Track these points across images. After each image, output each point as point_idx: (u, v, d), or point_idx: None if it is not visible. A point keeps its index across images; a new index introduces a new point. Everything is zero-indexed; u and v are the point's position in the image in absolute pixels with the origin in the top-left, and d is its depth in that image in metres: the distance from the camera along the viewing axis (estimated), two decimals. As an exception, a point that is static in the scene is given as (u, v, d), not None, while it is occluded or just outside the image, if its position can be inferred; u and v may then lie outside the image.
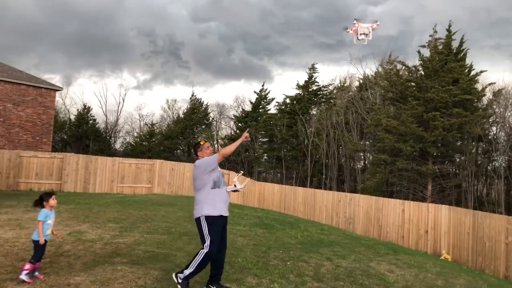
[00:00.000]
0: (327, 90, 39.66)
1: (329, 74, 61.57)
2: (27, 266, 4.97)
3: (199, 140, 5.39)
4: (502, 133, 25.00)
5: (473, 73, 24.06)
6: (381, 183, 24.78)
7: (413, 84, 24.52)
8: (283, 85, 78.07)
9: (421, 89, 23.30)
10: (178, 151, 47.60)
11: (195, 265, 4.69)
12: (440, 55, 23.28)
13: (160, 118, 54.75)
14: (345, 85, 38.66)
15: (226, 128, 50.58)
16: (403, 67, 25.86)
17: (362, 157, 34.90)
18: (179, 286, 4.69)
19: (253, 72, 78.65)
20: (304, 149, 35.90)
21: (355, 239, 10.90)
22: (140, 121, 56.20)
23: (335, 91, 38.70)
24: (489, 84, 24.93)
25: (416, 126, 22.37)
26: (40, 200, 5.28)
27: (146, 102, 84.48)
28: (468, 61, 24.39)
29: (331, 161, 33.36)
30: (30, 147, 23.53)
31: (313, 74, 39.71)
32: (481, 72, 23.67)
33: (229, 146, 4.84)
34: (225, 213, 4.93)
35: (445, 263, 9.61)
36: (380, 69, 32.85)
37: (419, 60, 24.49)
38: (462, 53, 24.47)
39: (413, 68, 24.92)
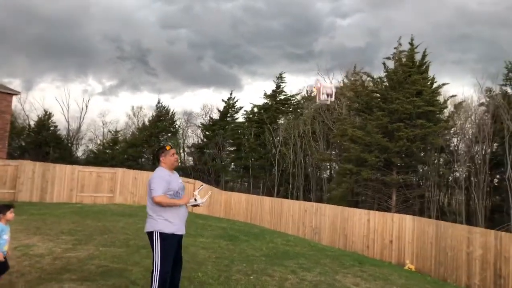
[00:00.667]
0: (294, 99, 39.88)
1: (298, 85, 62.33)
2: None
3: (165, 144, 4.94)
4: (462, 145, 25.80)
5: (435, 85, 24.75)
6: (346, 192, 24.95)
7: (378, 95, 24.96)
8: (253, 94, 78.45)
9: (386, 100, 23.72)
10: (143, 159, 46.50)
11: None
12: (404, 67, 23.83)
13: (125, 126, 53.47)
14: (312, 95, 38.91)
15: (193, 136, 49.92)
16: (369, 78, 26.33)
17: (328, 167, 35.17)
18: None
19: (222, 80, 78.45)
20: (271, 159, 35.83)
21: (320, 251, 10.74)
22: (103, 128, 54.66)
23: (302, 101, 38.94)
24: (451, 97, 25.76)
25: (381, 136, 22.70)
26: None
27: (110, 109, 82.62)
28: (430, 73, 25.13)
29: (298, 171, 33.41)
30: (-17, 154, 22.23)
31: (281, 84, 39.89)
32: (444, 84, 24.42)
33: (169, 200, 4.42)
34: (181, 231, 4.54)
35: (410, 274, 9.59)
36: (345, 80, 33.39)
37: (384, 72, 25.00)
38: (425, 66, 25.14)
39: (378, 80, 25.41)
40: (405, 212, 21.34)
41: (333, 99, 5.06)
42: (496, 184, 25.43)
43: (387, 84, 24.53)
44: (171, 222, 4.41)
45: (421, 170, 26.15)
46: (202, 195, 4.73)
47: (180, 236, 4.56)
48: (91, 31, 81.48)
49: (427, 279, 9.61)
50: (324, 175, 34.87)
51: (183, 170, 42.60)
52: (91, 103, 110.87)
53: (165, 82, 78.92)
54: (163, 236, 4.37)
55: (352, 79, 30.80)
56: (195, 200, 4.52)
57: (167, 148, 4.69)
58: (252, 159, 38.47)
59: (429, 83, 24.49)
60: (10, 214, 4.91)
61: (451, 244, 12.88)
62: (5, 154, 24.05)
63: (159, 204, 4.36)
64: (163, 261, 4.33)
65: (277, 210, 19.64)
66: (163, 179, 4.45)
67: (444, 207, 28.21)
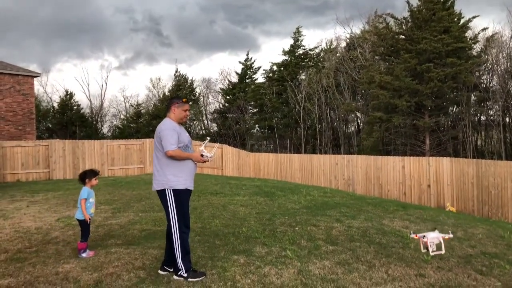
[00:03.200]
0: (314, 53, 38.70)
1: (315, 39, 60.29)
2: (81, 245, 4.98)
3: (182, 96, 4.56)
4: (496, 80, 24.52)
5: (463, 21, 23.34)
6: (377, 142, 24.37)
7: (403, 36, 23.74)
8: (270, 53, 76.54)
9: (412, 41, 22.55)
10: (168, 129, 46.65)
11: (180, 251, 4.11)
12: (429, 3, 22.45)
13: (146, 98, 53.57)
14: (332, 46, 37.69)
15: (214, 103, 49.65)
16: (392, 20, 24.99)
17: (356, 119, 34.39)
18: (191, 279, 4.07)
19: (238, 42, 76.95)
20: (296, 116, 35.28)
21: (360, 199, 10.48)
22: (125, 103, 55.01)
23: (322, 54, 37.75)
24: (482, 30, 24.26)
25: (410, 79, 21.73)
26: (83, 177, 5.20)
27: (129, 83, 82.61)
28: (456, 8, 23.62)
29: (324, 126, 32.84)
30: (14, 138, 22.62)
31: (299, 38, 38.64)
32: (473, 17, 22.96)
33: (184, 154, 4.14)
34: (192, 186, 4.29)
35: (458, 215, 9.24)
36: (367, 27, 31.94)
37: (408, 11, 23.64)
38: (450, 1, 23.67)
39: (403, 20, 24.09)
40: (439, 155, 20.76)
41: (443, 251, 4.62)
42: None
43: (412, 24, 23.23)
44: (182, 178, 4.16)
45: (453, 111, 25.16)
46: (209, 150, 4.45)
47: (191, 192, 4.32)
48: (101, 5, 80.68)
49: (477, 218, 9.24)
50: (352, 128, 34.20)
51: (208, 137, 42.62)
52: (110, 79, 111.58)
53: (181, 50, 78.15)
54: (177, 192, 4.13)
55: (373, 24, 29.41)
56: (202, 156, 4.23)
57: (184, 100, 4.35)
58: (276, 119, 38.01)
59: (456, 18, 23.10)
60: (95, 181, 5.24)
61: (494, 182, 12.45)
62: (34, 136, 24.43)
63: (172, 158, 4.10)
64: (181, 217, 4.14)
65: (307, 166, 19.46)
66: (174, 130, 4.17)
67: (480, 147, 27.31)
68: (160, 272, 4.33)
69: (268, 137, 41.26)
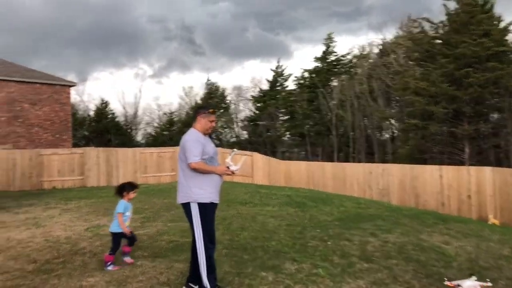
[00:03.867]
0: (346, 59, 38.17)
1: (347, 45, 59.64)
2: (108, 258, 4.93)
3: (210, 106, 4.38)
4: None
5: (503, 24, 22.34)
6: (413, 150, 23.55)
7: (440, 41, 22.93)
8: (301, 60, 76.47)
9: (450, 45, 21.73)
10: (201, 137, 47.10)
11: (204, 268, 3.92)
12: (467, 6, 21.60)
13: (178, 107, 54.38)
14: (364, 53, 37.04)
15: (245, 110, 49.73)
16: (428, 24, 24.19)
17: (390, 126, 33.49)
18: None
19: (269, 49, 77.13)
20: (327, 123, 34.76)
21: (396, 211, 10.02)
22: (158, 111, 56.00)
23: (354, 60, 37.14)
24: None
25: (448, 85, 20.91)
26: (121, 190, 5.13)
27: (163, 92, 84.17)
28: (496, 11, 22.68)
29: (357, 133, 32.16)
30: (51, 145, 23.31)
31: (330, 44, 38.25)
32: (515, 20, 21.93)
33: (207, 167, 3.98)
34: (217, 199, 4.11)
35: (503, 229, 8.65)
36: (400, 32, 31.18)
37: (445, 15, 22.83)
38: (490, 4, 22.72)
39: (440, 24, 23.28)
40: (480, 164, 19.80)
41: None
42: None
43: (449, 28, 22.40)
44: (207, 191, 3.98)
45: (495, 118, 24.00)
46: (236, 161, 4.22)
47: (216, 206, 4.13)
48: (137, 14, 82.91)
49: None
50: (386, 135, 33.33)
51: (239, 144, 42.70)
52: (144, 88, 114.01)
53: (213, 58, 79.08)
54: (202, 206, 3.96)
55: (407, 29, 28.64)
56: (228, 168, 4.02)
57: (210, 111, 4.18)
58: (308, 126, 37.59)
59: (496, 22, 22.12)
60: (132, 194, 5.20)
61: (542, 194, 11.68)
62: (71, 144, 25.11)
63: (195, 171, 3.93)
64: (206, 233, 3.96)
65: (339, 175, 18.99)
66: (199, 141, 4.01)
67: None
68: None
69: (299, 145, 40.86)
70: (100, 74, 79.33)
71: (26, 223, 8.09)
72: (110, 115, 48.40)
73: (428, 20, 24.15)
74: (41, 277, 4.61)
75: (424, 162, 24.17)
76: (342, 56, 38.10)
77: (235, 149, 4.65)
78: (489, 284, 3.87)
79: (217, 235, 6.60)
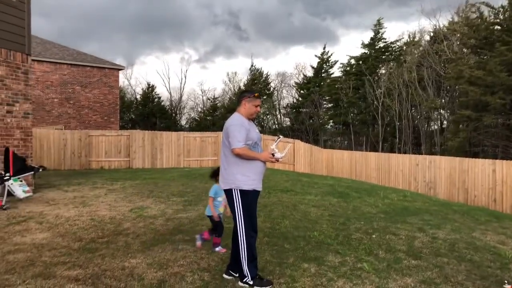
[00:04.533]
0: (395, 46, 36.72)
1: (397, 32, 57.24)
2: (216, 239, 5.02)
3: (254, 90, 4.24)
4: None
5: None
6: (464, 142, 22.40)
7: (500, 27, 21.44)
8: (348, 47, 74.37)
9: (510, 31, 20.28)
10: (242, 123, 47.27)
11: (245, 257, 3.84)
12: (532, -10, 20.06)
13: (222, 92, 54.77)
14: (415, 39, 35.43)
15: (288, 97, 49.30)
16: (487, 9, 22.67)
17: (439, 117, 32.05)
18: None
19: (315, 35, 75.82)
20: (373, 112, 33.78)
21: (444, 205, 9.55)
22: (202, 96, 56.68)
23: (404, 47, 35.65)
24: None
25: (507, 74, 19.55)
26: (215, 174, 4.99)
27: (207, 77, 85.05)
28: None
29: (404, 123, 31.02)
30: (99, 127, 24.18)
31: (379, 31, 36.90)
32: None
33: (251, 153, 3.83)
34: (260, 187, 3.96)
35: None
36: (456, 18, 29.48)
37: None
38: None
39: (500, 9, 21.75)
40: (538, 160, 18.53)
41: None
42: None
43: (510, 13, 20.88)
44: (250, 177, 3.85)
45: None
46: (281, 148, 4.05)
47: (259, 193, 3.99)
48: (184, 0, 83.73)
49: None
50: (435, 126, 31.95)
51: (281, 131, 42.46)
52: (189, 73, 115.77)
53: (258, 44, 78.79)
54: (244, 193, 3.84)
55: (464, 15, 27.02)
56: (273, 155, 3.86)
57: (256, 95, 4.04)
58: (352, 114, 36.72)
59: None
60: None
61: None
62: (118, 126, 25.91)
63: (238, 156, 3.81)
64: (247, 220, 3.84)
65: (384, 165, 18.44)
66: (243, 126, 3.86)
67: None
68: (225, 276, 4.10)
69: (343, 133, 40.07)
70: (147, 58, 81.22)
71: (74, 202, 8.37)
72: (156, 99, 49.49)
73: (487, 5, 22.61)
74: (86, 256, 4.70)
75: (475, 155, 22.99)
76: (391, 42, 36.68)
77: (280, 136, 4.51)
78: None
79: (258, 222, 6.52)
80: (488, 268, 4.57)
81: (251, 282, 3.80)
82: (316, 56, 43.64)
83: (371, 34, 37.67)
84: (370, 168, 19.35)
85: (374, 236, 5.84)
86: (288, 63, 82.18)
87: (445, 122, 31.22)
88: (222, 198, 4.94)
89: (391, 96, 31.16)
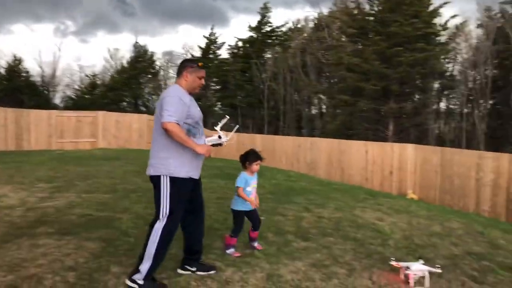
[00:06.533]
0: (281, 31, 37.78)
1: (283, 17, 59.20)
2: (229, 240, 4.18)
3: (197, 60, 3.59)
4: (460, 69, 24.69)
5: (433, 7, 23.15)
6: (341, 126, 24.06)
7: (374, 18, 23.27)
8: (237, 29, 74.70)
9: (383, 23, 22.10)
10: (124, 103, 44.70)
11: (153, 253, 3.18)
12: (401, -14, 22.08)
13: (103, 69, 50.92)
14: (299, 26, 36.89)
15: (175, 77, 47.90)
16: (364, 1, 24.42)
17: (319, 102, 33.98)
18: None
19: (205, 15, 74.36)
20: (260, 95, 34.47)
21: (326, 185, 9.94)
22: (80, 73, 52.13)
23: (289, 33, 36.90)
24: (452, 17, 24.24)
25: (379, 63, 21.36)
26: (244, 159, 4.23)
27: (86, 53, 78.24)
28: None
29: (288, 107, 32.26)
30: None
31: (266, 15, 37.56)
32: (445, 3, 22.78)
33: (184, 136, 3.16)
34: (197, 174, 3.45)
35: (429, 206, 8.87)
36: (335, 7, 31.30)
37: (380, -7, 23.18)
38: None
39: (376, 1, 23.56)
40: (401, 142, 20.71)
41: (427, 286, 3.43)
42: (498, 108, 24.72)
43: (384, 6, 22.75)
44: (185, 163, 3.27)
45: (418, 98, 25.17)
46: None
47: (196, 181, 3.47)
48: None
49: (447, 209, 8.92)
50: (316, 110, 33.81)
51: (226, 115, 41.20)
52: (65, 46, 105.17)
53: (144, 20, 74.71)
54: (175, 181, 3.24)
55: (343, 4, 28.75)
56: (219, 137, 3.39)
57: (200, 64, 3.44)
58: (240, 97, 37.03)
59: (426, 4, 22.88)
60: (255, 166, 4.25)
61: (458, 172, 12.24)
62: (-26, 102, 22.31)
63: (167, 134, 3.14)
64: (171, 212, 3.24)
65: (269, 147, 18.83)
66: (182, 100, 3.23)
67: (442, 134, 27.66)
68: (180, 272, 3.59)
69: (231, 116, 40.32)
70: (13, 26, 71.53)
71: None
72: (24, 74, 44.03)
73: (364, -5, 24.42)
74: None
75: (350, 137, 24.87)
76: (277, 27, 37.67)
77: (227, 116, 3.99)
78: (439, 270, 3.63)
79: (138, 209, 5.92)
80: (371, 246, 4.66)
81: (141, 282, 3.19)
82: (204, 36, 42.75)
83: (258, 18, 38.06)
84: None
85: (262, 217, 5.65)
86: (176, 43, 79.83)
87: (324, 106, 33.24)
88: (251, 187, 4.25)
89: (276, 80, 32.06)
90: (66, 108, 42.94)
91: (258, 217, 4.33)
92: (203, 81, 3.48)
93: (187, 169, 3.29)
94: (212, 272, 3.58)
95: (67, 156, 13.55)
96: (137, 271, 3.20)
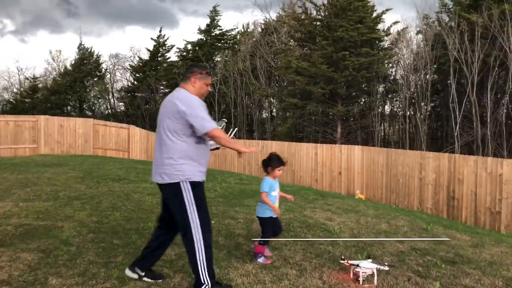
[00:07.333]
0: (230, 35, 37.79)
1: (233, 21, 59.48)
2: (258, 249, 3.99)
3: (205, 67, 3.47)
4: (402, 73, 25.88)
5: (375, 13, 24.13)
6: (291, 128, 24.42)
7: (320, 23, 23.88)
8: (186, 32, 74.01)
9: (330, 28, 22.73)
10: (69, 107, 42.82)
11: (203, 261, 3.15)
12: (346, -7, 22.83)
13: (44, 72, 48.51)
14: (249, 30, 37.04)
15: (122, 80, 46.44)
16: (311, 5, 24.99)
17: (270, 105, 34.33)
18: None
19: (153, 17, 73.00)
20: (210, 99, 34.24)
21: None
22: (19, 75, 49.32)
23: (239, 37, 36.99)
24: (394, 23, 25.46)
25: (326, 67, 21.91)
26: (267, 164, 4.10)
27: (26, 53, 74.39)
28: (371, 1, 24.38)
29: (239, 110, 32.29)
30: None
31: (215, 18, 37.42)
32: (387, 10, 23.83)
33: (229, 140, 3.31)
34: (204, 178, 3.39)
35: (376, 205, 9.14)
36: (282, 12, 31.81)
37: (327, -1, 23.84)
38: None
39: (322, 6, 24.19)
40: (349, 143, 21.38)
41: (374, 284, 3.49)
42: (438, 110, 26.16)
43: (330, 11, 23.41)
44: (197, 167, 3.20)
45: (364, 101, 26.10)
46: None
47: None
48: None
49: (393, 208, 9.24)
50: (266, 114, 34.09)
51: (114, 117, 39.89)
52: (2, 46, 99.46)
53: (89, 20, 72.14)
54: (195, 185, 3.16)
55: (292, 8, 29.25)
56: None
57: (208, 71, 3.39)
58: (189, 101, 36.58)
59: (370, 10, 23.82)
60: (278, 171, 4.15)
61: (402, 171, 12.78)
62: None
63: (216, 139, 3.16)
64: (202, 217, 3.15)
65: (220, 151, 18.75)
66: (204, 106, 3.20)
67: (387, 136, 28.82)
68: (128, 273, 3.43)
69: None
70: None
71: None
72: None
73: (311, 2, 24.95)
74: None
75: (300, 140, 25.32)
76: (227, 31, 37.62)
77: (224, 119, 3.91)
78: (386, 268, 3.71)
79: (82, 216, 5.62)
80: (321, 245, 4.71)
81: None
82: (152, 39, 41.85)
83: (207, 20, 37.86)
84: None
85: (213, 222, 5.55)
86: (123, 44, 77.74)
87: (274, 110, 33.59)
88: (276, 192, 4.15)
89: (227, 83, 32.01)
90: (4, 112, 40.47)
91: (280, 224, 4.34)
92: (209, 88, 3.44)
93: (201, 173, 3.25)
94: (159, 280, 3.46)
95: (4, 163, 12.69)
96: (201, 283, 3.13)
